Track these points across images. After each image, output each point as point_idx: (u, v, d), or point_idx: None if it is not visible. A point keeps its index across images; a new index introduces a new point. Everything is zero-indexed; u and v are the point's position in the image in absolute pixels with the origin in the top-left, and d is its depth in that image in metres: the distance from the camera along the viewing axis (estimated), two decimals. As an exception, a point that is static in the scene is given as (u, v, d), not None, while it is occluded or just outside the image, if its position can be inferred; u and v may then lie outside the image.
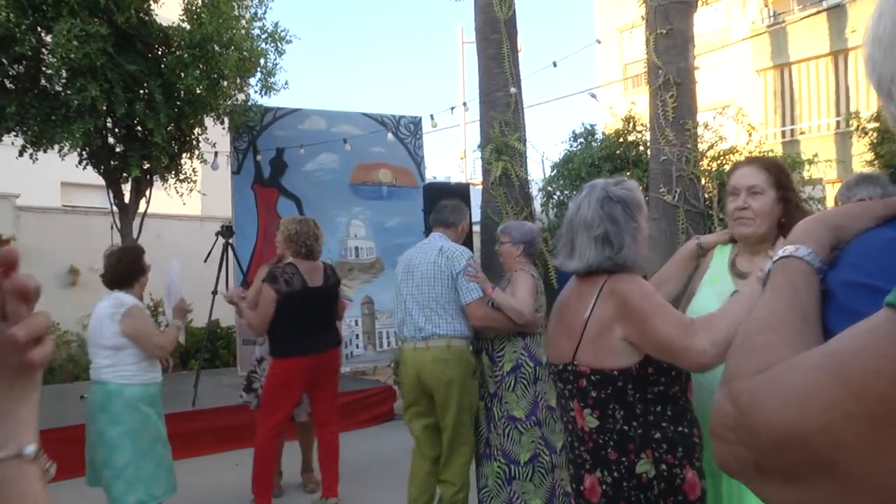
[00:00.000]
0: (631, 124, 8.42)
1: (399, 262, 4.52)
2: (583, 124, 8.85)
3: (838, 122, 16.43)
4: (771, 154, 7.81)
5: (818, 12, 17.55)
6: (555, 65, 8.62)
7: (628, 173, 7.92)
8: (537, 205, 8.95)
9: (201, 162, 7.98)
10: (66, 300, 8.64)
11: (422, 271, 4.22)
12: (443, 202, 4.71)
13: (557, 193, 8.60)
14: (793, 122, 17.92)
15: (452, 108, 9.46)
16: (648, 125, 7.63)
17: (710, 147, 7.51)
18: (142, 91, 6.64)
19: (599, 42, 13.14)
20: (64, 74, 6.39)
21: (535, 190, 8.94)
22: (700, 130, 7.44)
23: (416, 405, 4.28)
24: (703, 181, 7.33)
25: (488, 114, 8.70)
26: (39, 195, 12.92)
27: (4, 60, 6.14)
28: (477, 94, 8.94)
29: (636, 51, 20.06)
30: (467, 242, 6.92)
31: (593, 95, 13.07)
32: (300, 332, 4.84)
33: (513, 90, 8.54)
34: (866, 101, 16.90)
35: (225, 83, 7.23)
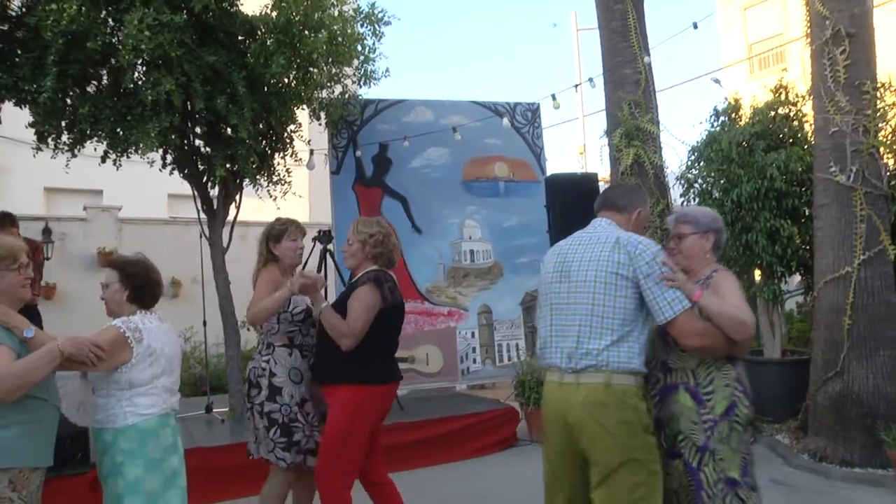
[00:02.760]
0: (782, 95, 7.02)
1: (547, 257, 3.21)
2: (725, 99, 7.52)
3: None
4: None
5: None
6: (696, 25, 7.28)
7: (784, 153, 6.57)
8: (675, 195, 7.71)
9: (295, 161, 7.33)
10: (169, 313, 8.20)
11: (586, 271, 2.93)
12: (614, 183, 3.51)
13: (699, 181, 7.33)
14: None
15: (576, 86, 8.22)
16: (809, 92, 6.26)
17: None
18: (224, 84, 6.01)
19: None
20: (138, 70, 5.85)
21: (671, 179, 7.73)
22: (880, 92, 6.00)
23: (562, 459, 2.99)
24: (884, 155, 5.90)
25: (615, 94, 7.59)
26: (148, 207, 12.91)
27: (78, 58, 5.65)
28: (601, 76, 7.87)
29: (762, 28, 18.15)
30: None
31: (717, 81, 11.60)
32: (390, 353, 3.85)
33: (647, 59, 7.39)
34: None
35: (316, 71, 6.51)
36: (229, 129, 6.39)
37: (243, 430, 5.01)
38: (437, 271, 8.25)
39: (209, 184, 6.91)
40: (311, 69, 6.53)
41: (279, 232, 3.95)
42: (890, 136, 6.04)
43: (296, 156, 7.32)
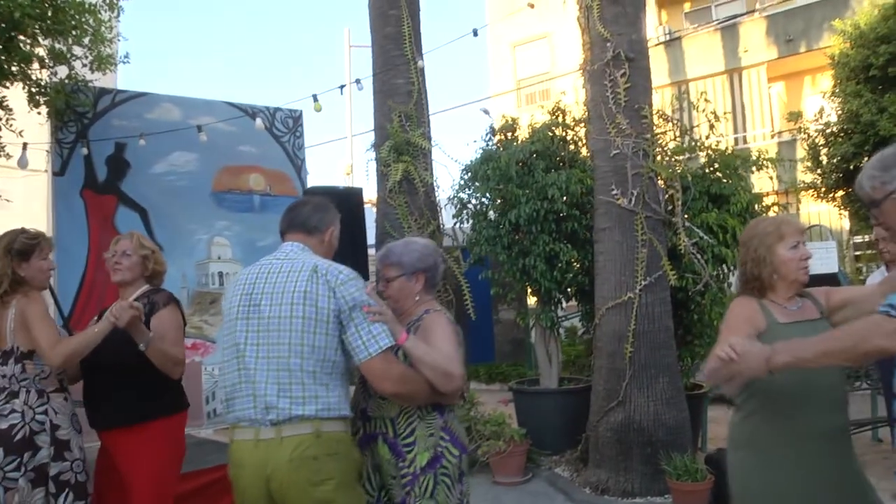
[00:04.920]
0: (559, 117, 6.93)
1: (230, 289, 2.71)
2: (503, 116, 7.30)
3: (736, 140, 15.90)
4: (727, 153, 6.52)
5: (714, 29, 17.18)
6: (475, 33, 6.97)
7: (565, 174, 6.42)
8: (447, 216, 7.32)
9: (4, 157, 5.85)
10: None
11: (280, 305, 2.50)
12: (300, 199, 3.04)
13: (473, 201, 6.99)
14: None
15: (342, 87, 7.53)
16: (588, 114, 6.16)
17: (671, 138, 6.12)
18: None
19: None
20: None
21: (443, 199, 7.34)
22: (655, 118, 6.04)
23: None
24: (661, 181, 5.93)
25: (385, 104, 7.05)
26: None
27: None
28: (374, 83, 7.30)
29: (531, 66, 19.27)
30: (362, 271, 5.18)
31: (486, 111, 11.74)
32: None
33: (420, 63, 6.93)
34: (761, 120, 16.53)
35: (24, 38, 5.17)
36: None
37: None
38: (181, 296, 7.07)
39: None
40: (17, 35, 5.19)
41: (27, 247, 3.24)
42: (666, 162, 6.08)
43: (3, 150, 5.84)
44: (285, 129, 7.84)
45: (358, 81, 7.31)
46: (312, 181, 7.86)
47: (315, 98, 7.25)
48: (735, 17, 16.97)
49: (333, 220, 2.82)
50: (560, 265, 6.31)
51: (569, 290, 6.52)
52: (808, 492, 2.42)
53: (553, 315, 6.61)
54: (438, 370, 2.53)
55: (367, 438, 2.72)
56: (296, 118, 7.92)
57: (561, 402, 6.59)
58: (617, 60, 5.76)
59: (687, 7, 19.03)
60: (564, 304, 6.95)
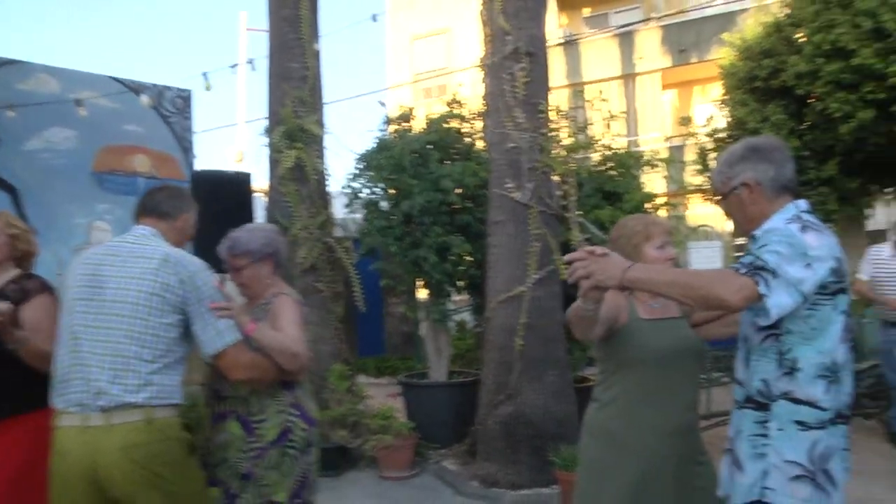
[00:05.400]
0: (456, 108, 6.87)
1: (72, 270, 2.62)
2: (400, 106, 7.19)
3: (629, 143, 16.35)
4: (622, 152, 6.64)
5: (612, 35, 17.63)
6: (374, 18, 6.83)
7: (460, 165, 6.36)
8: (339, 207, 7.16)
9: None
10: None
11: (125, 290, 2.48)
12: (157, 185, 3.10)
13: (366, 191, 6.85)
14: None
15: (234, 66, 7.25)
16: (486, 107, 6.12)
17: (567, 134, 6.14)
18: None
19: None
20: None
21: (336, 189, 7.18)
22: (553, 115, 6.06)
23: None
24: (556, 176, 5.96)
25: (280, 87, 6.82)
26: None
27: None
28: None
29: (428, 60, 19.23)
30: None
31: (382, 103, 11.66)
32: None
33: (315, 46, 6.74)
34: (653, 124, 17.07)
35: None
36: None
37: None
38: (57, 283, 6.62)
39: None
40: None
41: None
42: (561, 158, 6.10)
43: None
44: (174, 108, 7.46)
45: (251, 62, 7.05)
46: (202, 166, 7.50)
47: (205, 77, 6.95)
48: (632, 24, 17.46)
49: (188, 209, 2.82)
50: (452, 258, 6.26)
51: (460, 283, 6.47)
52: (651, 484, 2.48)
53: (443, 308, 6.54)
54: (285, 353, 2.69)
55: (219, 416, 2.86)
56: (185, 98, 7.55)
57: (450, 396, 6.55)
58: (516, 54, 5.75)
59: (586, 12, 19.48)
60: (455, 298, 6.90)
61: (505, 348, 5.61)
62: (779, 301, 1.90)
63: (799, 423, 2.05)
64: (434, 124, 6.66)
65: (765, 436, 2.08)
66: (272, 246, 3.00)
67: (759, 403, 2.11)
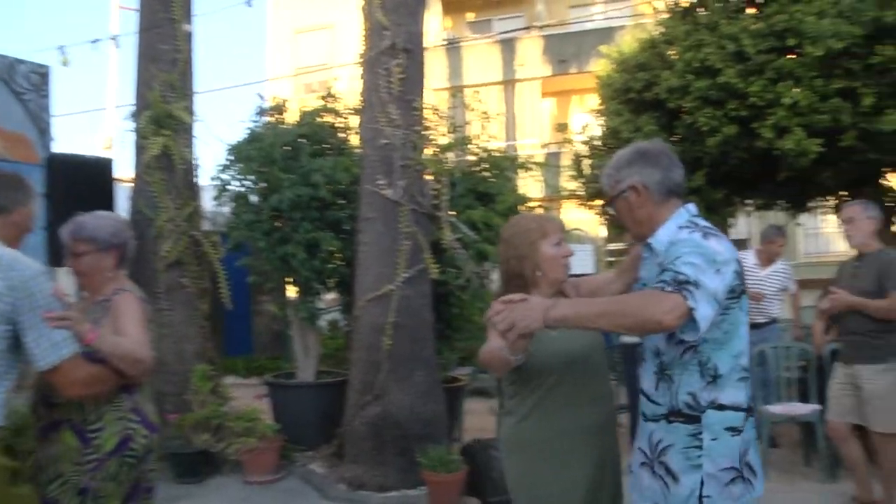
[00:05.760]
0: (331, 103, 6.71)
1: None
2: (273, 98, 6.96)
3: (507, 148, 16.63)
4: (497, 154, 6.67)
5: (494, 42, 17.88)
6: (249, 3, 6.58)
7: (332, 160, 6.22)
8: (207, 198, 6.87)
9: None
10: None
11: None
12: None
13: (235, 183, 6.60)
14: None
15: (96, 41, 6.84)
16: (361, 102, 6.00)
17: (442, 132, 6.08)
18: None
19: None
20: None
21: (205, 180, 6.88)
22: (428, 113, 6.02)
23: None
24: (429, 174, 5.92)
25: (148, 69, 6.46)
26: None
27: None
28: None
29: (311, 55, 18.90)
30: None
31: (261, 96, 11.36)
32: None
33: (187, 27, 6.43)
34: (531, 131, 17.42)
35: None
36: None
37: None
38: None
39: None
40: None
41: None
42: (434, 157, 6.06)
43: None
44: (28, 85, 6.92)
45: (115, 38, 6.65)
46: (68, 152, 7.00)
47: (62, 51, 6.49)
48: (514, 30, 17.78)
49: (26, 201, 2.57)
50: (321, 255, 6.09)
51: (330, 281, 6.31)
52: (578, 484, 2.47)
53: (311, 306, 6.36)
54: (128, 359, 2.48)
55: (50, 426, 2.58)
56: (42, 74, 7.00)
57: (317, 396, 6.37)
58: (393, 50, 5.67)
59: (470, 17, 19.68)
60: (324, 296, 6.74)
61: (373, 347, 5.51)
62: (705, 313, 1.88)
63: (730, 429, 2.08)
64: (307, 117, 6.48)
65: (699, 447, 2.08)
66: (120, 237, 2.79)
67: (689, 416, 2.10)
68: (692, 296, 1.87)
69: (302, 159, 6.06)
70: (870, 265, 4.43)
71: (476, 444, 5.44)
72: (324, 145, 6.47)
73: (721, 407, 2.08)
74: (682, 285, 1.88)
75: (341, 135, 6.81)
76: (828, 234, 16.14)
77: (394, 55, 5.66)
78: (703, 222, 2.14)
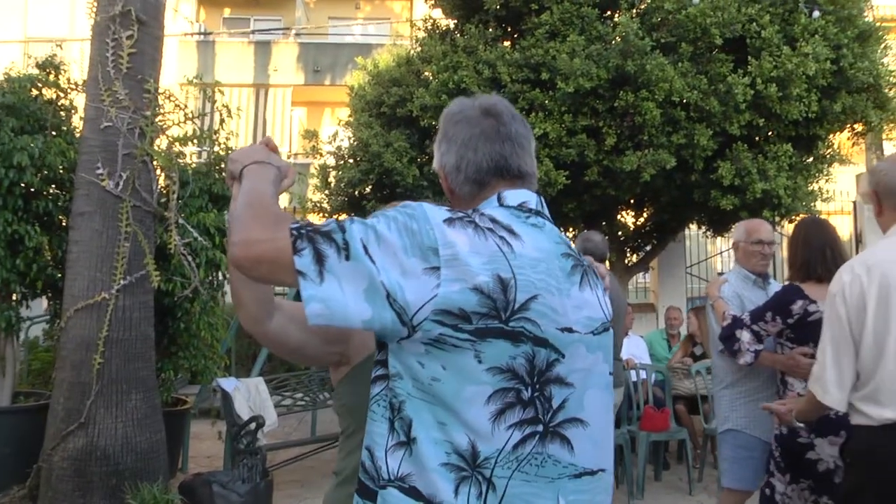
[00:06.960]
0: (52, 75, 5.68)
1: None
2: None
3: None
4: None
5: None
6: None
7: (43, 140, 5.23)
8: None
9: None
10: None
11: None
12: None
13: None
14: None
15: None
16: (87, 77, 5.12)
17: (175, 122, 5.29)
18: None
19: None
20: None
21: None
22: (162, 99, 5.26)
23: None
24: (158, 168, 5.18)
25: None
26: None
27: None
28: None
29: (45, 25, 16.64)
30: None
31: None
32: None
33: None
34: (280, 139, 16.80)
35: None
36: None
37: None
38: None
39: None
40: None
41: None
42: (165, 149, 5.31)
43: None
44: None
45: None
46: None
47: None
48: (271, 30, 17.14)
49: None
50: (26, 252, 5.06)
51: (37, 284, 5.25)
52: None
53: (10, 314, 5.25)
54: None
55: None
56: None
57: (12, 425, 5.20)
58: (125, 18, 4.89)
59: (227, 12, 18.65)
60: (30, 302, 5.65)
61: (81, 366, 4.66)
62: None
63: None
64: (13, 83, 5.40)
65: None
66: None
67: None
68: None
69: (2, 135, 4.99)
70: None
71: (195, 480, 4.78)
72: (34, 121, 5.42)
73: None
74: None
75: (63, 113, 5.80)
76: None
77: (126, 25, 4.89)
78: None
